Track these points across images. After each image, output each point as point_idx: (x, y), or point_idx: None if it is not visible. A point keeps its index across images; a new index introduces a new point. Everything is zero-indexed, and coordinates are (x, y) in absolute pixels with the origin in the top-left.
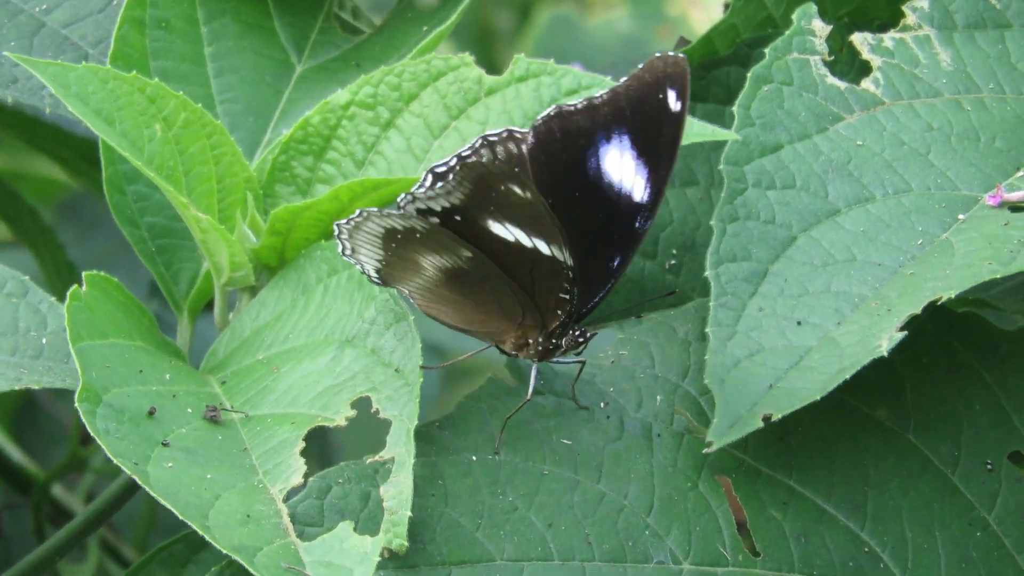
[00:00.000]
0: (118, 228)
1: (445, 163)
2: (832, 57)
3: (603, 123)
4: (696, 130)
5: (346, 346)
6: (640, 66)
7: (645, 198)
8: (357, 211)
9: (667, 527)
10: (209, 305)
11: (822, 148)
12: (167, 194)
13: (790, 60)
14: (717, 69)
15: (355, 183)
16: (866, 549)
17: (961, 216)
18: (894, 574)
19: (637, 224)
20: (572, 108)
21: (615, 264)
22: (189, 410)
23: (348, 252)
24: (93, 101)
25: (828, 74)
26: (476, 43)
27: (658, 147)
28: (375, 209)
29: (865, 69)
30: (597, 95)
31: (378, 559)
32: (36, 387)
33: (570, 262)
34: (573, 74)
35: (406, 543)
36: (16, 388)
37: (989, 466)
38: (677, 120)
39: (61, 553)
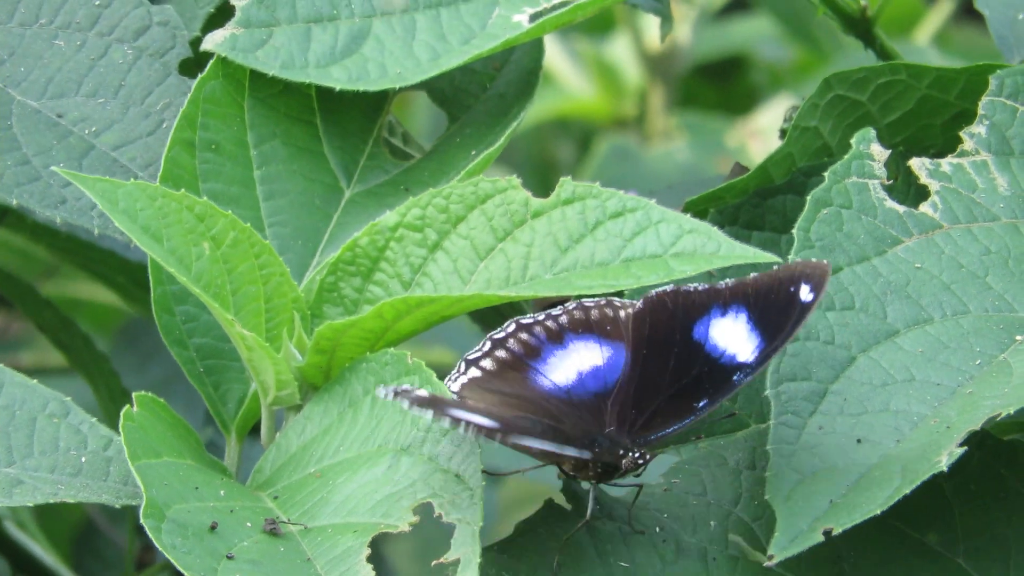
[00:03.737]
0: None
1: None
2: (890, 182)
3: (722, 301)
4: (738, 252)
5: (402, 455)
6: (777, 267)
7: (751, 360)
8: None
9: None
10: (257, 428)
11: (881, 271)
12: (214, 312)
13: (849, 184)
14: (773, 197)
15: (398, 300)
16: None
17: (1019, 337)
18: None
19: (735, 378)
20: (692, 289)
21: (700, 405)
22: (248, 524)
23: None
24: (141, 218)
25: (887, 198)
26: (537, 173)
27: (778, 325)
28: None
29: (922, 194)
30: (722, 284)
31: None
32: (71, 501)
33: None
34: (618, 197)
35: None
36: (51, 502)
37: None
38: (804, 307)
39: None
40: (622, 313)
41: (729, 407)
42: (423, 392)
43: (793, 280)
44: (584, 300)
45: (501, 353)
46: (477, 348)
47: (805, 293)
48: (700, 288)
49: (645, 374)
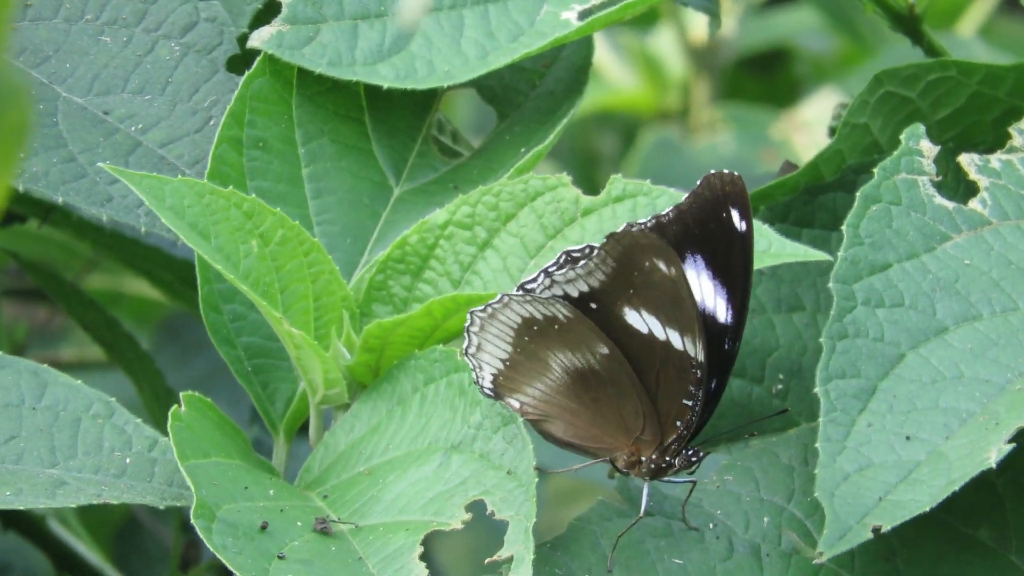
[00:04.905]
0: (218, 351)
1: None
2: (940, 178)
3: (675, 243)
4: (789, 250)
5: (452, 452)
6: (698, 182)
7: (728, 320)
8: (498, 295)
9: None
10: (304, 427)
11: (930, 267)
12: (262, 310)
13: (898, 180)
14: (823, 195)
15: (447, 299)
16: None
17: None
18: None
19: (726, 346)
20: (639, 233)
21: (713, 387)
22: (299, 523)
23: (473, 349)
24: (188, 215)
25: (936, 194)
26: (580, 167)
27: (731, 268)
28: (518, 293)
29: (971, 190)
30: (664, 213)
31: None
32: (115, 502)
33: (701, 357)
34: (669, 195)
35: None
36: (95, 503)
37: None
38: (745, 241)
39: None
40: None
41: (780, 404)
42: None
43: (719, 202)
44: (570, 250)
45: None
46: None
47: (737, 220)
48: (648, 230)
49: None
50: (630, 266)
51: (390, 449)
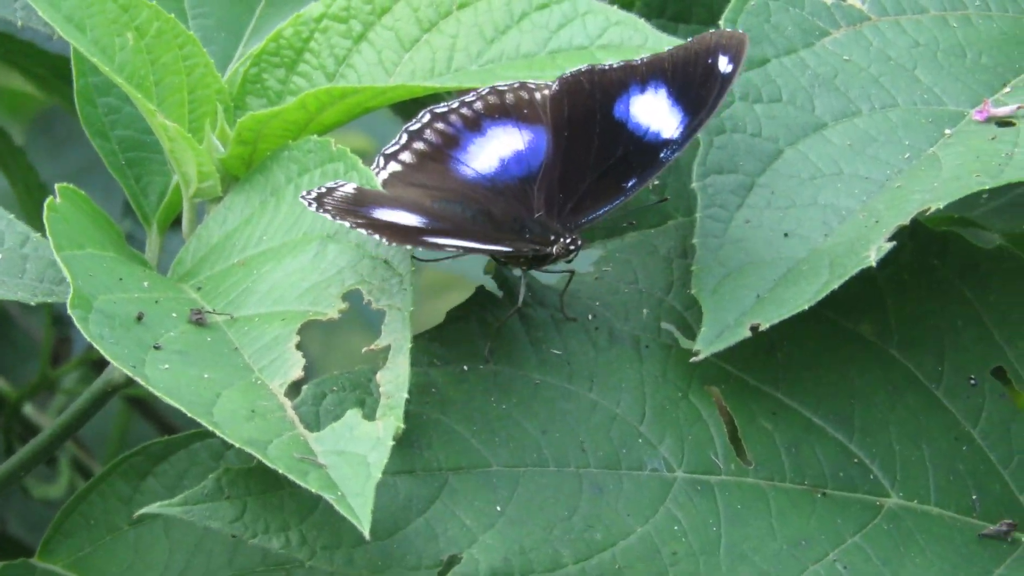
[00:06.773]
0: (92, 145)
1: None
2: None
3: (639, 78)
4: (665, 44)
5: (328, 242)
6: (690, 39)
7: (676, 135)
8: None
9: (660, 436)
10: (177, 221)
11: (808, 62)
12: (136, 102)
13: None
14: None
15: (322, 91)
16: (855, 460)
17: (948, 131)
18: (883, 485)
19: (662, 155)
20: (608, 67)
21: (628, 184)
22: (174, 315)
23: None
24: (65, 8)
25: None
26: None
27: (700, 100)
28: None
29: None
30: (637, 59)
31: (391, 444)
32: None
33: None
34: None
35: (403, 425)
36: None
37: (972, 381)
38: (725, 79)
39: (28, 467)
40: (538, 95)
41: (661, 194)
42: (349, 188)
43: (710, 51)
44: (497, 84)
45: (419, 145)
46: (394, 142)
47: (724, 65)
48: (616, 65)
49: (569, 156)
50: None
51: (264, 240)
